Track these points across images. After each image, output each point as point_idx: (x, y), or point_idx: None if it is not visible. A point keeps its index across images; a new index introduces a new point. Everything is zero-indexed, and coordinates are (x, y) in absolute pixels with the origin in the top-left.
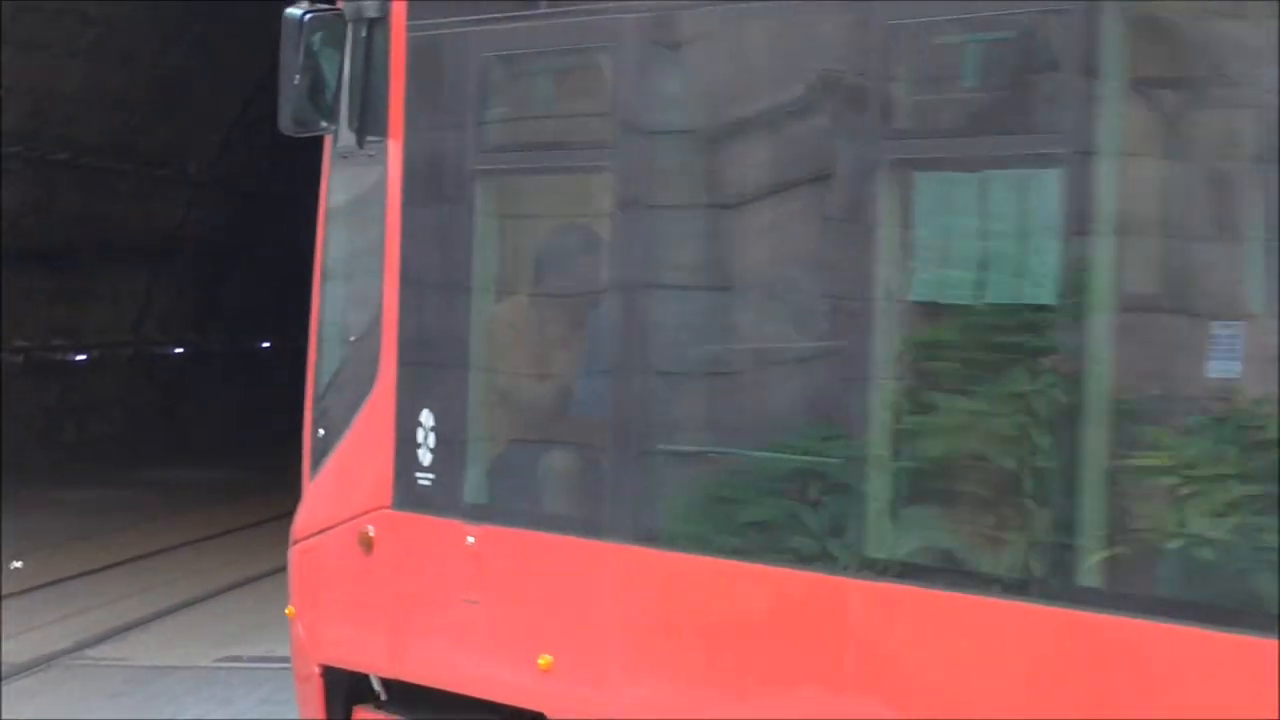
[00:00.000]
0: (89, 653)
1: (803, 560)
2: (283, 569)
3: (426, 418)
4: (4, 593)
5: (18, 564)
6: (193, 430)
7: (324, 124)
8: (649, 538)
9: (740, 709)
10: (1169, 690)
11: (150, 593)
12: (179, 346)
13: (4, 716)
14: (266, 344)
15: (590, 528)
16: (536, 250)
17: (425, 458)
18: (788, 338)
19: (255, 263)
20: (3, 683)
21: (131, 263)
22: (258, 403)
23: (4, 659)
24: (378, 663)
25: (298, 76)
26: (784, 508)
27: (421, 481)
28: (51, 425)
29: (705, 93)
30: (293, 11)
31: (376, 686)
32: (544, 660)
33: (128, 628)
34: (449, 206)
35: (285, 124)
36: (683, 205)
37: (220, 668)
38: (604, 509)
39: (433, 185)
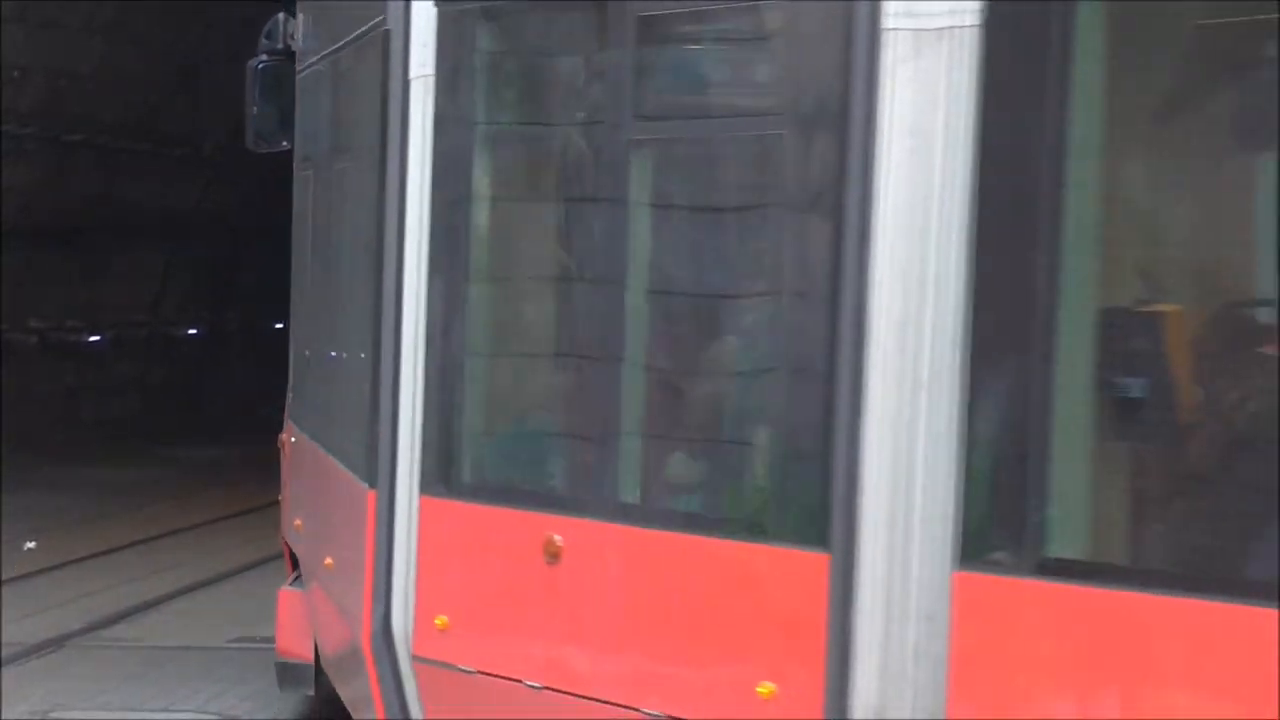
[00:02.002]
0: (102, 633)
1: None
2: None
3: None
4: (17, 574)
5: (31, 544)
6: (209, 410)
7: (284, 142)
8: None
9: None
10: None
11: (164, 573)
12: (195, 326)
13: (16, 697)
14: (283, 324)
15: None
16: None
17: None
18: None
19: (272, 243)
20: (16, 663)
21: (148, 243)
22: (275, 382)
23: (18, 640)
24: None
25: (255, 109)
26: None
27: None
28: (68, 405)
29: None
30: (251, 62)
31: None
32: None
33: (141, 608)
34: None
35: (250, 143)
36: None
37: (234, 648)
38: None
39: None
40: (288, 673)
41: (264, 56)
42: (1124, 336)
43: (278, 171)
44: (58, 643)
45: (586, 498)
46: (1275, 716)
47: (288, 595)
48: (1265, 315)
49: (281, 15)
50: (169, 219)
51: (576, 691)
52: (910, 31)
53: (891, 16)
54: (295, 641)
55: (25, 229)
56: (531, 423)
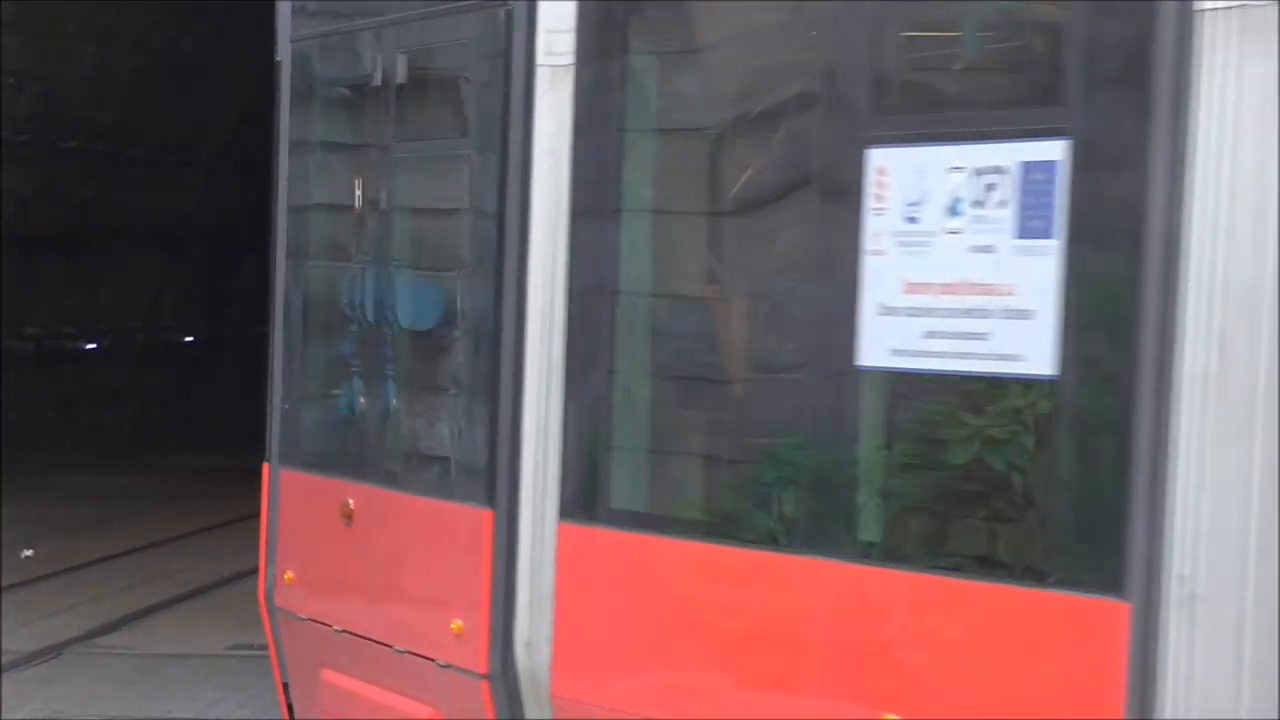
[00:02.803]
0: (100, 641)
1: None
2: None
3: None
4: (16, 581)
5: (29, 552)
6: (206, 417)
7: None
8: None
9: None
10: None
11: (161, 580)
12: (192, 333)
13: (15, 704)
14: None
15: None
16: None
17: None
18: None
19: (268, 249)
20: (15, 671)
21: (144, 249)
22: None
23: (17, 647)
24: None
25: None
26: None
27: None
28: (64, 412)
29: None
30: None
31: None
32: None
33: (139, 615)
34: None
35: None
36: None
37: (231, 655)
38: None
39: None
40: None
41: None
42: (673, 327)
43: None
44: (57, 650)
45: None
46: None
47: None
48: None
49: None
50: (164, 225)
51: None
52: (549, 68)
53: (541, 54)
54: None
55: (21, 236)
56: None
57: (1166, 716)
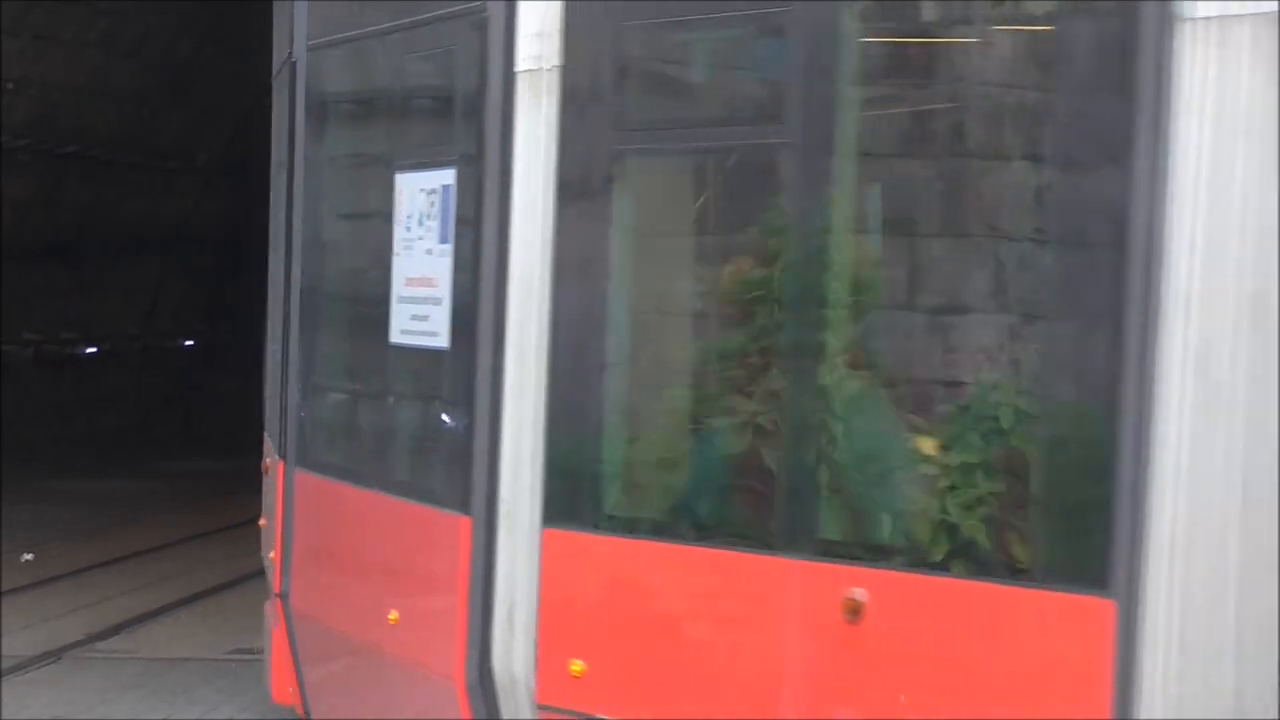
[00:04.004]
0: (100, 645)
1: None
2: None
3: None
4: (16, 585)
5: (28, 556)
6: (205, 422)
7: None
8: None
9: None
10: None
11: (162, 585)
12: (190, 339)
13: (15, 708)
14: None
15: None
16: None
17: None
18: None
19: (267, 255)
20: (15, 675)
21: (142, 255)
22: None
23: (17, 652)
24: None
25: None
26: None
27: None
28: (62, 418)
29: None
30: None
31: None
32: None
33: (139, 620)
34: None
35: None
36: None
37: (231, 660)
38: None
39: None
40: None
41: None
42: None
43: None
44: (57, 654)
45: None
46: None
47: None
48: None
49: None
50: (163, 231)
51: None
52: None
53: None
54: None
55: (19, 242)
56: None
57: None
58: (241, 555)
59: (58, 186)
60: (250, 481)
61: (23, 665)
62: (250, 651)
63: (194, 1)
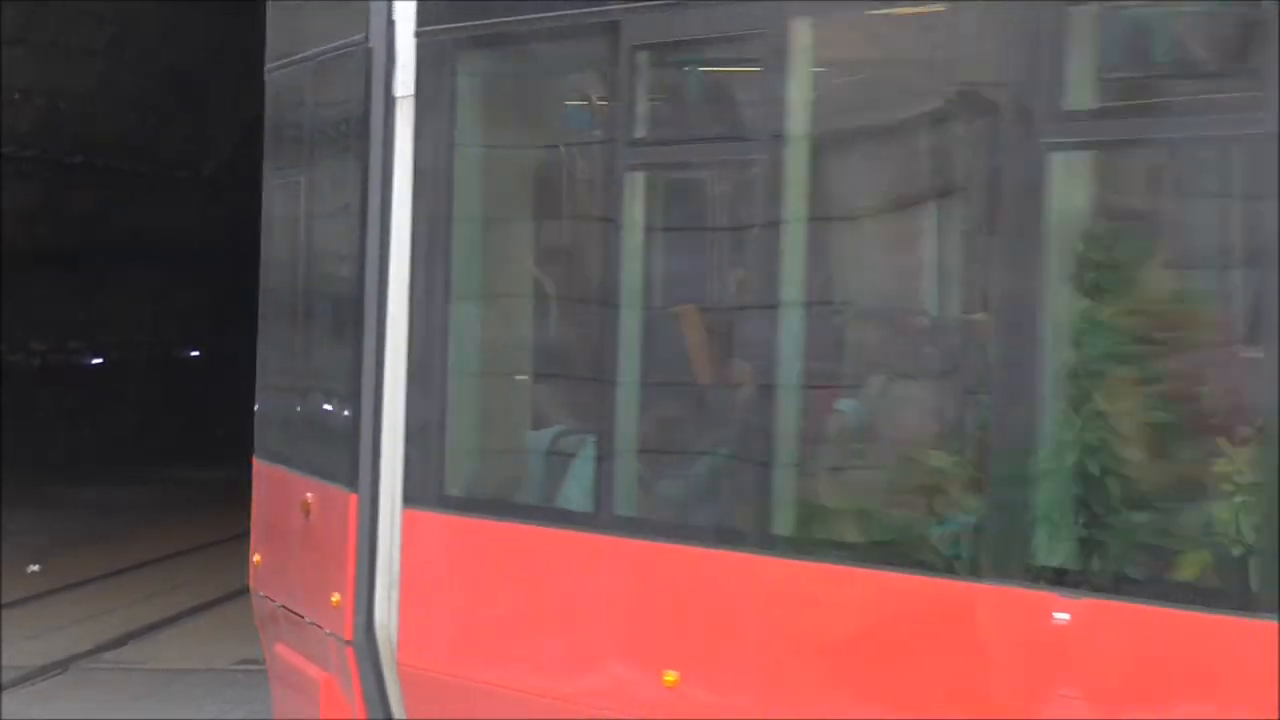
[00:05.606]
0: (107, 655)
1: None
2: None
3: None
4: (23, 596)
5: (35, 567)
6: (211, 430)
7: None
8: None
9: None
10: None
11: (168, 595)
12: (195, 347)
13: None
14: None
15: None
16: None
17: None
18: None
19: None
20: (22, 686)
21: (148, 264)
22: None
23: (23, 663)
24: None
25: None
26: None
27: None
28: (69, 426)
29: None
30: None
31: None
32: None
33: (146, 630)
34: None
35: None
36: None
37: (238, 670)
38: None
39: None
40: None
41: None
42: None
43: None
44: (63, 665)
45: None
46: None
47: None
48: None
49: None
50: (168, 240)
51: None
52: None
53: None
54: None
55: (25, 251)
56: None
57: None
58: (248, 565)
59: (64, 195)
60: None
61: (29, 676)
62: (258, 661)
63: (201, 10)
